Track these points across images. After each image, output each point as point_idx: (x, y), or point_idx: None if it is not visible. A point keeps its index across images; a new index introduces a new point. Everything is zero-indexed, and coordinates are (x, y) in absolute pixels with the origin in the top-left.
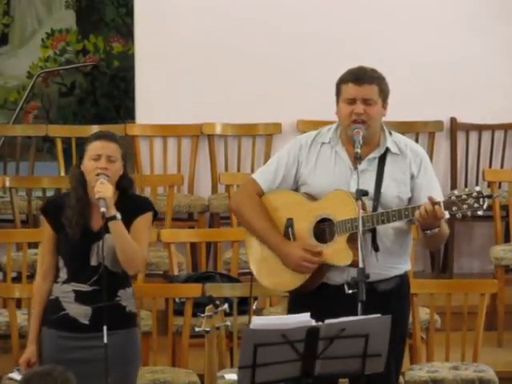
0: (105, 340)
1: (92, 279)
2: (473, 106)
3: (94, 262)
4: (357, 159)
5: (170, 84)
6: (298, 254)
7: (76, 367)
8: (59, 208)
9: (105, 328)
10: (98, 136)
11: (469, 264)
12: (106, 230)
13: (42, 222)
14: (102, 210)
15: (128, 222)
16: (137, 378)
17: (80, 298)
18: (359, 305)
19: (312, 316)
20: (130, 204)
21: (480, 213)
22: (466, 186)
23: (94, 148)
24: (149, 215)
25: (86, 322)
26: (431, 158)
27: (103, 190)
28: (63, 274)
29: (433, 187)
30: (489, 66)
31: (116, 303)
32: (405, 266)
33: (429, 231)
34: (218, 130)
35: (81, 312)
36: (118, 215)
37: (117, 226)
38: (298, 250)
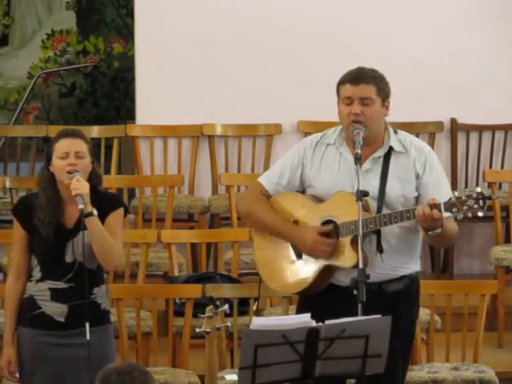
0: (87, 337)
1: (67, 276)
2: (473, 107)
3: (68, 259)
4: (357, 160)
5: (170, 85)
6: (313, 237)
7: (54, 365)
8: (30, 208)
9: (87, 325)
10: (64, 134)
11: (469, 265)
12: (80, 227)
13: (14, 223)
14: (81, 206)
15: (101, 219)
16: None
17: (56, 295)
18: (359, 305)
19: (321, 317)
20: (102, 201)
21: (480, 214)
22: (466, 186)
23: (61, 146)
24: (120, 211)
25: (62, 320)
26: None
27: (80, 187)
28: (37, 273)
29: (440, 185)
30: (489, 67)
31: (92, 300)
32: (414, 265)
33: (431, 232)
34: (219, 130)
35: (56, 310)
36: (95, 211)
37: (94, 222)
38: (313, 233)
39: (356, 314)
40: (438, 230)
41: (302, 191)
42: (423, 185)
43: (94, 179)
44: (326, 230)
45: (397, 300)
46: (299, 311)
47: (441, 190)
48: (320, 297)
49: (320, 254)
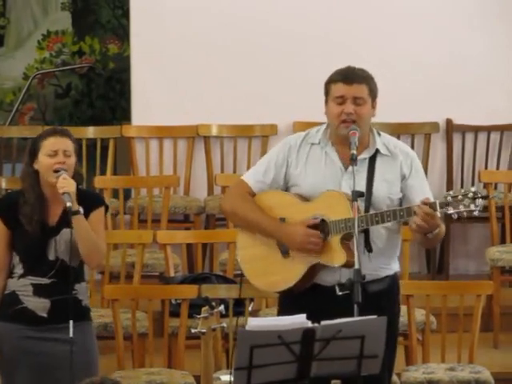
0: (71, 334)
1: (49, 274)
2: (469, 108)
3: (51, 256)
4: (353, 161)
5: (165, 85)
6: (303, 231)
7: (36, 359)
8: (12, 206)
9: (71, 322)
10: (53, 132)
11: (464, 265)
12: (62, 225)
13: None
14: (68, 204)
15: (84, 217)
16: (98, 367)
17: (38, 291)
18: (355, 306)
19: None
20: (84, 199)
21: (476, 213)
22: (461, 186)
23: (49, 144)
24: (102, 210)
25: (45, 315)
26: (427, 159)
27: (67, 185)
28: (19, 270)
29: (424, 188)
30: (486, 68)
31: (73, 297)
32: (394, 266)
33: (430, 234)
34: (214, 131)
35: (39, 305)
36: (81, 209)
37: (80, 220)
38: (302, 227)
39: (339, 314)
40: (437, 231)
41: (285, 190)
42: (408, 187)
43: (76, 178)
44: (314, 223)
45: (380, 300)
46: (281, 310)
47: (425, 192)
48: (302, 296)
49: (311, 247)
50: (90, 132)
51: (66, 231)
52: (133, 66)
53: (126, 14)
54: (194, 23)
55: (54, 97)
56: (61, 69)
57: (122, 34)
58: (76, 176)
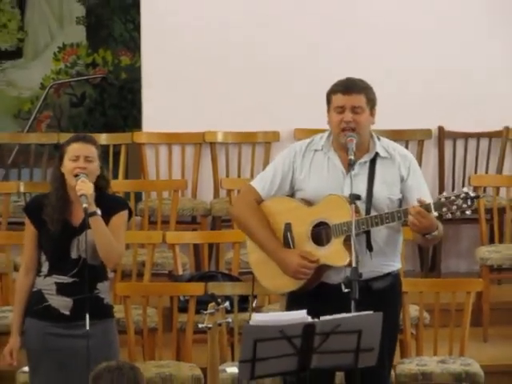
0: (87, 327)
1: (72, 272)
2: (459, 116)
3: (74, 255)
4: (350, 165)
5: (174, 95)
6: (296, 261)
7: (60, 355)
8: (40, 207)
9: (87, 317)
10: (76, 139)
11: (456, 264)
12: (85, 225)
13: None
14: (84, 205)
15: (105, 220)
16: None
17: (61, 289)
18: (352, 302)
19: (310, 314)
20: (108, 203)
21: (468, 212)
22: (453, 190)
23: (72, 150)
24: (125, 214)
25: (67, 313)
26: (420, 164)
27: (84, 188)
28: (45, 268)
29: (422, 188)
30: (474, 80)
31: (95, 295)
32: (397, 263)
33: (429, 235)
34: (220, 137)
35: (62, 303)
36: (98, 211)
37: (97, 221)
38: (296, 257)
39: (345, 310)
40: (435, 233)
41: (292, 194)
42: (407, 187)
43: (101, 182)
44: (308, 255)
45: (383, 296)
46: (289, 308)
47: (422, 192)
48: (310, 294)
49: (303, 278)
50: (103, 138)
51: (89, 231)
52: (143, 76)
53: (137, 28)
54: (200, 38)
55: (69, 105)
56: (75, 79)
57: (133, 46)
58: (100, 181)
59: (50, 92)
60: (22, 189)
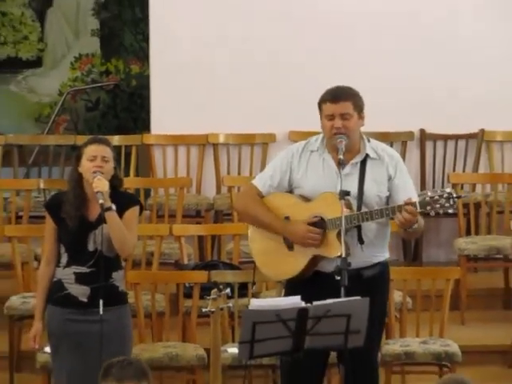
0: (100, 312)
1: (89, 262)
2: (439, 119)
3: (90, 247)
4: (340, 164)
5: (180, 100)
6: (304, 229)
7: (78, 338)
8: (59, 204)
9: (101, 302)
10: (93, 141)
11: (436, 254)
12: (101, 220)
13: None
14: (101, 201)
15: (119, 215)
16: (132, 342)
17: (79, 279)
18: (342, 289)
19: (306, 299)
20: (121, 199)
21: (451, 211)
22: (433, 187)
23: (90, 151)
24: (136, 209)
25: (85, 300)
26: (404, 163)
27: (100, 185)
28: (64, 259)
29: (408, 186)
30: (452, 86)
31: (111, 284)
32: (385, 253)
33: (410, 228)
34: (222, 139)
35: (81, 291)
36: (113, 206)
37: (112, 215)
38: (303, 225)
39: (337, 296)
40: (415, 226)
41: (290, 191)
42: (394, 186)
43: (115, 181)
44: (314, 221)
45: (373, 283)
46: (287, 294)
47: (408, 191)
48: (306, 282)
49: (311, 242)
50: (116, 140)
51: (104, 226)
52: (152, 83)
53: (145, 40)
54: (203, 48)
55: (84, 110)
56: (90, 86)
57: (142, 56)
58: (114, 179)
59: (68, 98)
60: (41, 185)
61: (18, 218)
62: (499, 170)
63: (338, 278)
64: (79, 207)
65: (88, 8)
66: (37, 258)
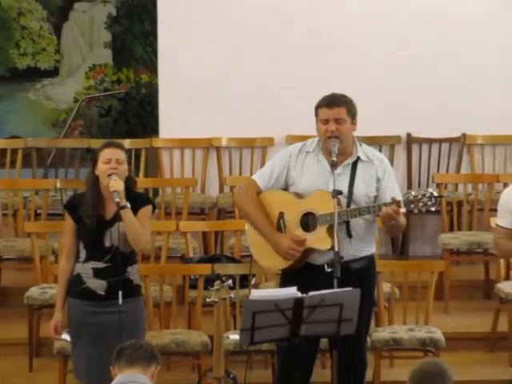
0: (120, 302)
1: (106, 258)
2: (424, 124)
3: (107, 244)
4: (333, 165)
5: (185, 107)
6: (287, 244)
7: (96, 328)
8: (78, 204)
9: (120, 293)
10: (108, 144)
11: (421, 248)
12: (117, 218)
13: (65, 215)
14: (117, 200)
15: (134, 213)
16: (145, 331)
17: (97, 273)
18: (335, 280)
19: (299, 289)
20: (135, 199)
21: (433, 209)
22: (419, 187)
23: (105, 154)
24: (149, 207)
25: (103, 293)
26: (392, 165)
27: (116, 185)
28: (83, 255)
29: (394, 188)
30: (437, 94)
31: (126, 277)
32: (372, 248)
33: (389, 223)
34: (224, 142)
35: (98, 285)
36: (128, 205)
37: (127, 213)
38: (287, 240)
39: (327, 287)
40: (393, 222)
41: (286, 188)
42: (382, 187)
43: (129, 182)
44: (298, 238)
45: (360, 276)
46: (282, 284)
47: (395, 192)
48: (299, 273)
49: (291, 258)
50: (127, 143)
51: (120, 224)
52: (160, 91)
53: (154, 51)
54: (207, 60)
55: (98, 116)
56: (103, 94)
57: (151, 66)
58: (128, 181)
59: (82, 105)
60: (58, 185)
61: (37, 215)
62: (480, 170)
63: (329, 270)
64: (96, 207)
65: (101, 22)
66: (54, 252)
